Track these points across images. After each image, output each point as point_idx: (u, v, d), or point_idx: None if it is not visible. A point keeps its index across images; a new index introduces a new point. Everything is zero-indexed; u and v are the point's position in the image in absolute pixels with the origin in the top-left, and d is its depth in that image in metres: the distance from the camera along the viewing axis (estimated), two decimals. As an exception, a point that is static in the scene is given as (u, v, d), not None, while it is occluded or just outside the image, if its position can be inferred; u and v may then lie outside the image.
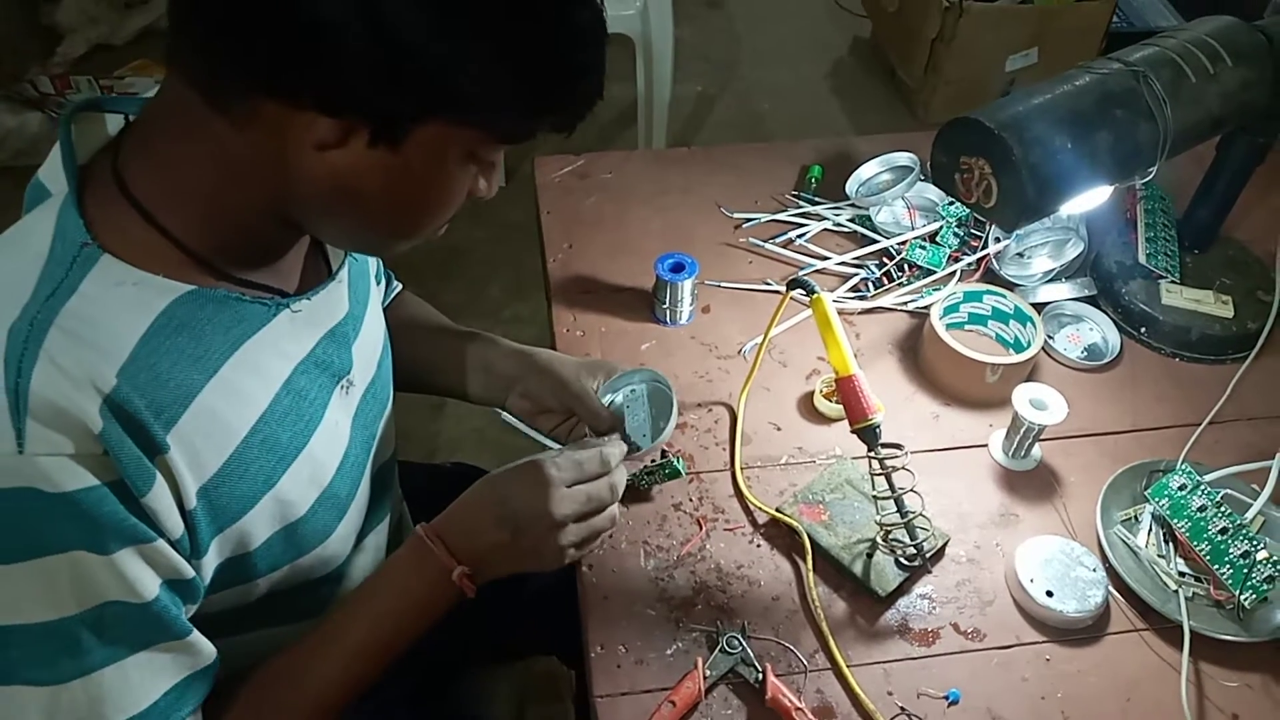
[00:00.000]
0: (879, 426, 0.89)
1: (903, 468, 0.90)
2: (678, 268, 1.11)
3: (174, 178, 0.66)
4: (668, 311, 1.13)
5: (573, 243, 1.23)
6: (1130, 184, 0.88)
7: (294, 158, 0.63)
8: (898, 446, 0.90)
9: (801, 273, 1.19)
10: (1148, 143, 0.86)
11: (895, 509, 0.90)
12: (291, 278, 0.77)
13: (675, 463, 0.94)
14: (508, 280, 2.36)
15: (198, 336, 0.68)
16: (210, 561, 0.71)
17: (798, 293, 0.93)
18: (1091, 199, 0.93)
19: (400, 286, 1.10)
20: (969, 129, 0.84)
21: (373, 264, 1.03)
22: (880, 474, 0.89)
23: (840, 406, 1.03)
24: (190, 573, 0.68)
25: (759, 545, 0.95)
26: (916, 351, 1.12)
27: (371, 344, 0.88)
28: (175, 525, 0.66)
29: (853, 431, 0.90)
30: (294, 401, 0.75)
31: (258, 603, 0.80)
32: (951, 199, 1.21)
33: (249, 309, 0.71)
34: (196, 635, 0.69)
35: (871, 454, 0.89)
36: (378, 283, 1.05)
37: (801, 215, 1.27)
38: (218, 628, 0.76)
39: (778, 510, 0.96)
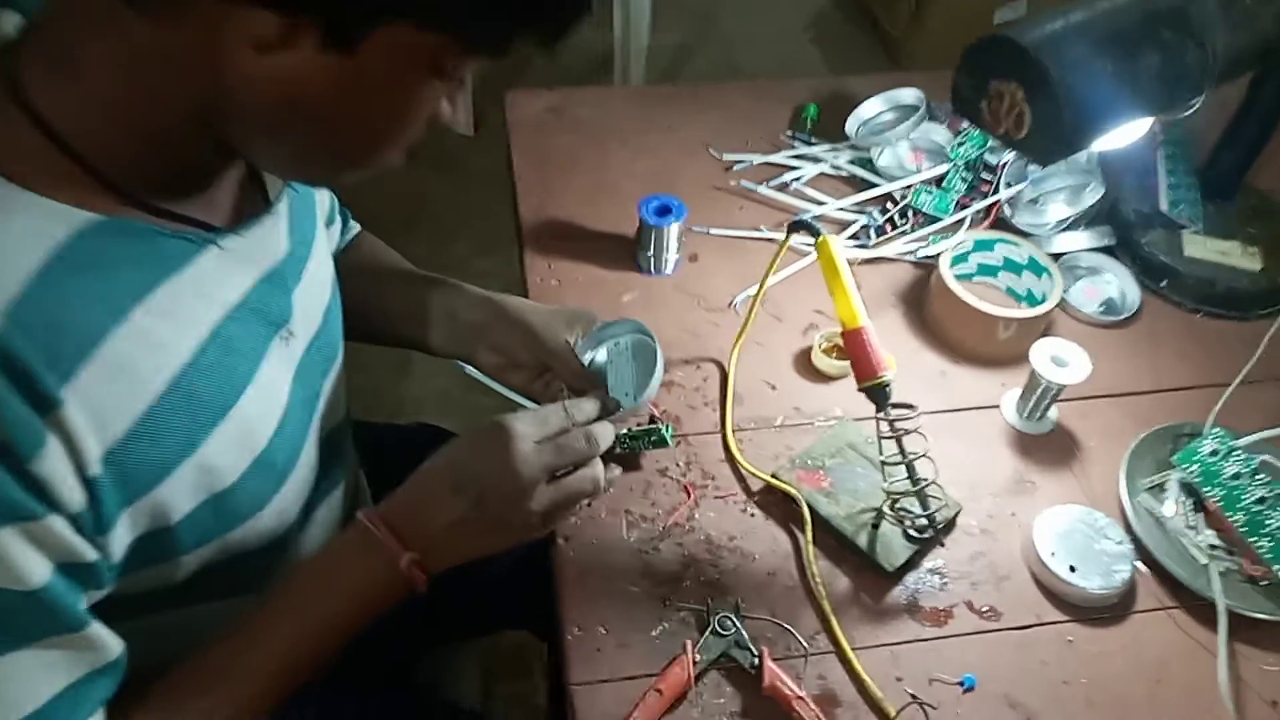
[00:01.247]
0: (889, 385, 0.80)
1: (915, 430, 0.81)
2: (663, 211, 1.01)
3: (82, 86, 0.55)
4: (651, 260, 1.03)
5: (547, 185, 1.13)
6: (1173, 116, 0.79)
7: (228, 61, 0.53)
8: (909, 407, 0.81)
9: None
10: (1195, 68, 0.76)
11: (905, 475, 0.82)
12: (221, 210, 0.67)
13: (663, 430, 0.85)
14: (476, 234, 2.24)
15: (106, 274, 0.57)
16: (120, 537, 0.61)
17: (799, 237, 0.84)
18: (1130, 132, 0.84)
19: (358, 228, 0.99)
20: (1000, 49, 0.74)
21: (321, 202, 0.92)
22: (890, 437, 0.80)
23: (842, 363, 0.95)
24: (91, 554, 0.58)
25: (753, 515, 0.86)
26: (922, 305, 1.03)
27: (316, 291, 0.78)
28: (73, 496, 0.56)
29: (860, 390, 0.81)
30: (222, 353, 0.65)
31: (187, 580, 0.70)
32: (960, 139, 1.12)
33: (169, 244, 0.61)
34: (97, 628, 0.60)
35: (880, 415, 0.80)
36: (330, 224, 0.94)
37: (797, 157, 1.17)
38: (142, 607, 0.67)
39: (773, 476, 0.87)
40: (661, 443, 0.86)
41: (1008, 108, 0.75)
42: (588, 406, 0.75)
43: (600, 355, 0.84)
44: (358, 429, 0.94)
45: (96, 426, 0.57)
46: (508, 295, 0.89)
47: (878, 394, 0.80)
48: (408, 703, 1.04)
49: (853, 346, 0.80)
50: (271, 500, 0.73)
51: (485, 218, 2.27)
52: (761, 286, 0.92)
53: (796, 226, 0.85)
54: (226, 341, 0.65)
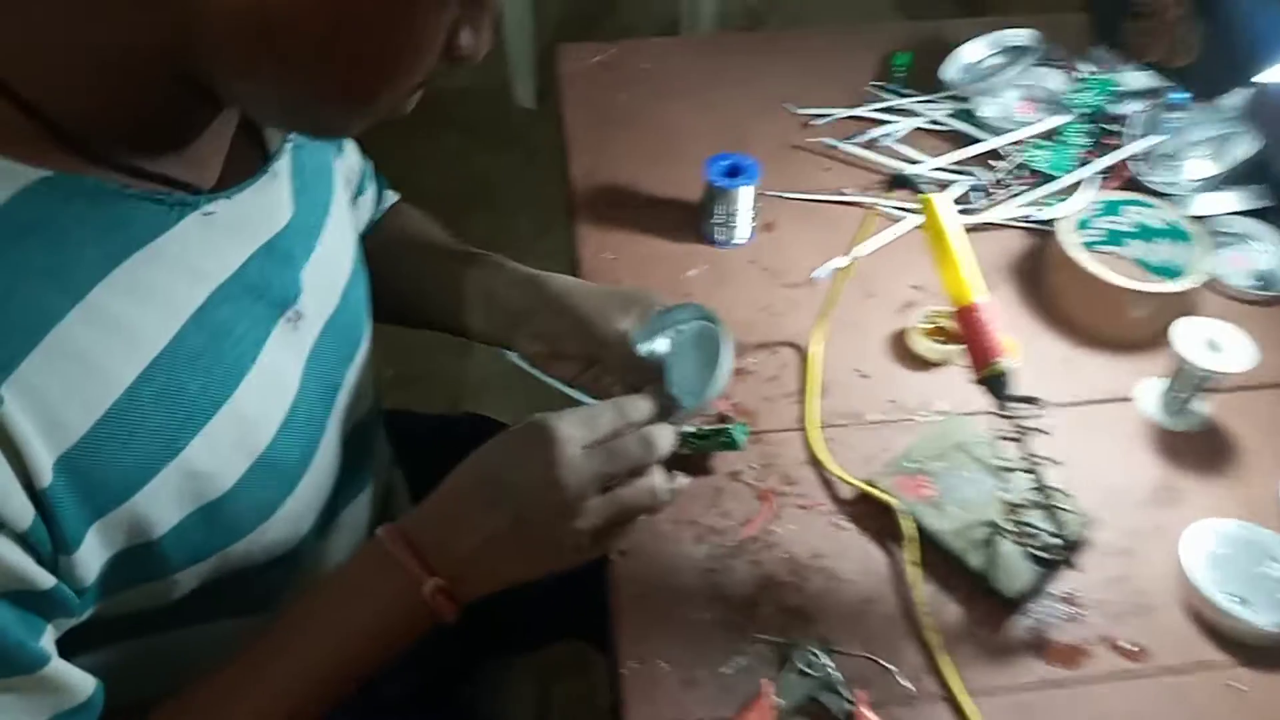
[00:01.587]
0: (1009, 374, 0.66)
1: (1041, 430, 0.67)
2: (734, 171, 0.87)
3: (24, 18, 0.46)
4: (721, 228, 0.90)
5: (603, 146, 1.00)
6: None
7: None
8: (1033, 401, 0.67)
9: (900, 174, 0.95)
10: None
11: (1031, 484, 0.68)
12: (207, 170, 0.56)
13: (734, 432, 0.72)
14: (539, 212, 2.13)
15: (56, 244, 0.47)
16: (90, 557, 0.51)
17: (895, 198, 0.70)
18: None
19: (395, 198, 0.88)
20: (1159, -46, 0.59)
21: (349, 166, 0.81)
22: (1012, 438, 0.66)
23: (946, 347, 0.81)
24: (47, 580, 0.49)
25: (843, 528, 0.73)
26: (1038, 279, 0.88)
27: (331, 266, 0.67)
28: (19, 512, 0.46)
29: (977, 381, 0.67)
30: (209, 339, 0.54)
31: (184, 600, 0.60)
32: (1079, 85, 0.96)
33: (139, 208, 0.51)
34: (59, 667, 0.51)
35: (1000, 410, 0.66)
36: (360, 193, 0.83)
37: (885, 111, 1.02)
38: (133, 630, 0.58)
39: (867, 483, 0.73)
40: (732, 444, 0.73)
41: (1163, 27, 0.60)
42: (644, 405, 0.62)
43: (661, 345, 0.72)
44: (396, 420, 0.83)
45: (46, 428, 0.47)
46: (555, 274, 0.76)
47: (997, 385, 0.66)
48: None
49: (967, 327, 0.66)
50: (280, 508, 0.62)
51: (548, 195, 2.13)
52: (852, 256, 0.79)
53: (897, 184, 0.71)
54: (215, 325, 0.55)
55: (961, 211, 0.93)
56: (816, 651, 0.65)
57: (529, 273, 0.77)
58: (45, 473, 0.47)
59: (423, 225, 0.88)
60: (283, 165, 0.60)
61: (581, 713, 1.39)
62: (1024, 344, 0.84)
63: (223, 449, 0.56)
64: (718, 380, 0.67)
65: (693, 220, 0.93)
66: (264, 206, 0.59)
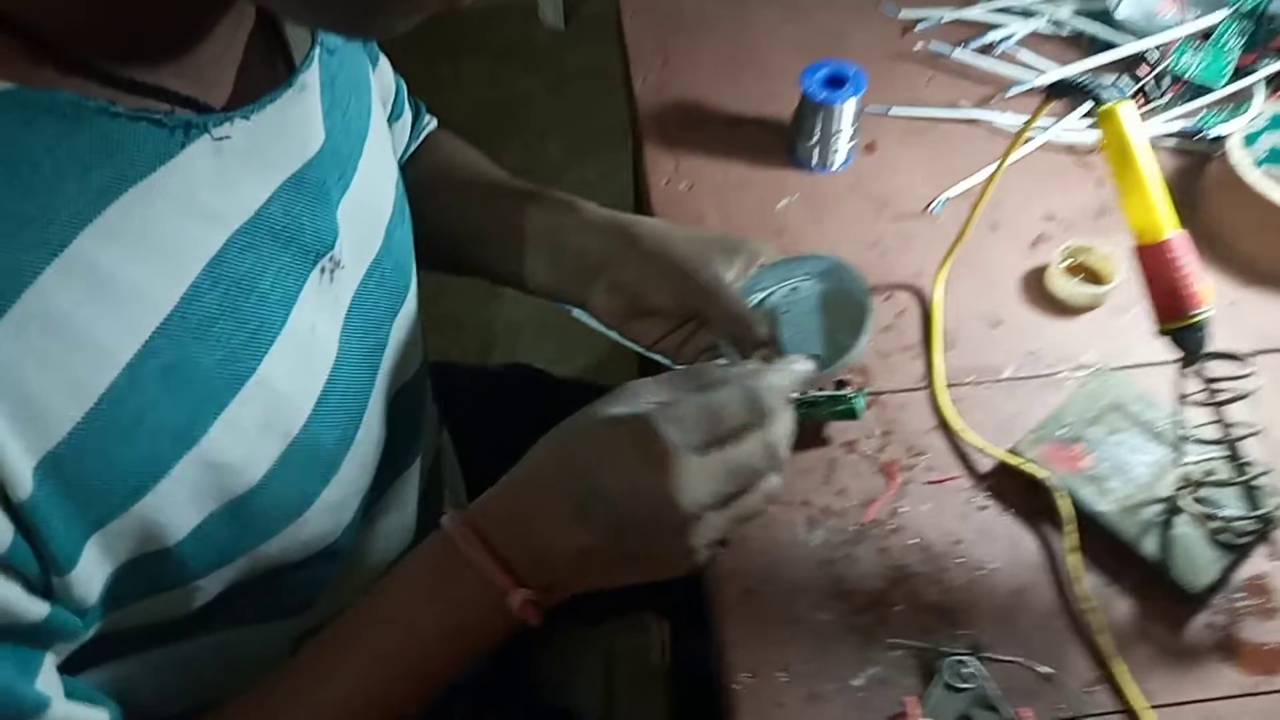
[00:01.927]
0: (1206, 325, 0.54)
1: (1243, 392, 0.54)
2: (835, 82, 0.74)
3: None
4: (816, 150, 0.77)
5: (669, 56, 0.86)
6: None
7: None
8: (1232, 357, 0.55)
9: (1016, 89, 0.81)
10: None
11: (1223, 455, 0.56)
12: (217, 83, 0.45)
13: (853, 398, 0.60)
14: (571, 137, 1.99)
15: (22, 180, 0.37)
16: (92, 573, 0.41)
17: (1015, 115, 0.57)
18: None
19: (433, 123, 0.75)
20: None
21: (384, 85, 0.68)
22: (1209, 402, 0.54)
23: (1092, 289, 0.68)
24: (38, 609, 0.39)
25: (983, 507, 0.61)
26: (1194, 205, 0.75)
27: (372, 200, 0.55)
28: None
29: (1164, 332, 0.55)
30: (227, 298, 0.43)
31: (211, 605, 0.50)
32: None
33: (130, 131, 0.39)
34: (60, 710, 0.41)
35: (1192, 368, 0.54)
36: (396, 117, 0.71)
37: (1000, 11, 0.88)
38: (149, 640, 0.49)
39: (1011, 453, 0.62)
40: (851, 413, 0.62)
41: None
42: (780, 381, 0.49)
43: (773, 299, 0.59)
44: (434, 375, 0.72)
45: (22, 422, 0.36)
46: (640, 217, 0.64)
47: (1191, 339, 0.54)
48: (518, 712, 0.84)
49: (1157, 267, 0.54)
50: (318, 498, 0.51)
51: (580, 119, 2.01)
52: (992, 180, 0.65)
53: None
54: (234, 280, 0.43)
55: (1094, 127, 0.79)
56: (967, 659, 0.54)
57: (608, 214, 0.63)
58: (24, 480, 0.36)
59: (468, 156, 0.75)
60: (312, 77, 0.48)
61: (643, 681, 1.30)
62: (1180, 283, 0.71)
63: (249, 434, 0.45)
64: (861, 342, 0.55)
65: (780, 142, 0.79)
66: (290, 129, 0.46)
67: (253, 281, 0.44)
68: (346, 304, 0.52)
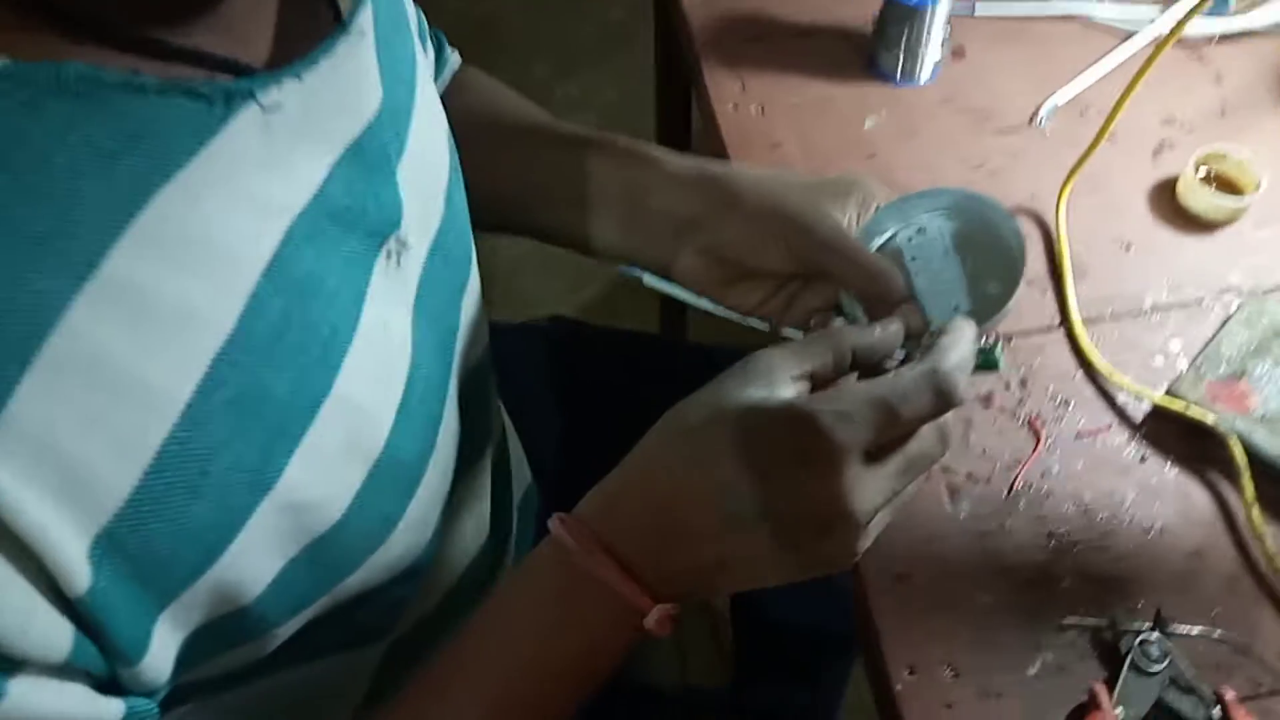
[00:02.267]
0: None
1: None
2: (924, -20, 0.65)
3: None
4: (901, 60, 0.67)
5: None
6: None
7: None
8: None
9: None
10: None
11: None
12: (257, 38, 0.35)
13: (991, 348, 0.52)
14: (556, 55, 1.87)
15: (30, 180, 0.28)
16: (165, 652, 0.34)
17: (1121, 10, 0.48)
18: None
19: (457, 57, 0.65)
20: None
21: (411, 11, 0.58)
22: None
23: (1234, 201, 0.61)
24: (112, 711, 0.33)
25: (1143, 459, 0.54)
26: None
27: (429, 163, 0.46)
28: (49, 638, 0.31)
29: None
30: (293, 303, 0.35)
31: (288, 644, 0.42)
32: None
33: (162, 108, 0.31)
34: None
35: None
36: (424, 51, 0.61)
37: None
38: (222, 686, 0.43)
39: (1171, 395, 0.55)
40: (991, 365, 0.54)
41: None
42: (959, 358, 0.41)
43: (895, 247, 0.51)
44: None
45: (70, 499, 0.29)
46: (731, 165, 0.54)
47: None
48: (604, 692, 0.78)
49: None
50: (403, 517, 0.44)
51: (564, 36, 1.88)
52: (1130, 89, 0.57)
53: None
54: (298, 281, 0.35)
55: (1207, 15, 0.70)
56: (1155, 637, 0.48)
57: (694, 166, 0.53)
58: (80, 570, 0.29)
59: (505, 97, 0.64)
60: (366, 18, 0.38)
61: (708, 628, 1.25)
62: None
63: (331, 463, 0.37)
64: (1016, 287, 0.47)
65: (857, 52, 0.70)
66: (347, 86, 0.37)
67: (319, 280, 0.36)
68: (414, 290, 0.44)
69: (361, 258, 0.39)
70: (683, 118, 1.03)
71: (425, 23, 0.61)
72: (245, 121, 0.32)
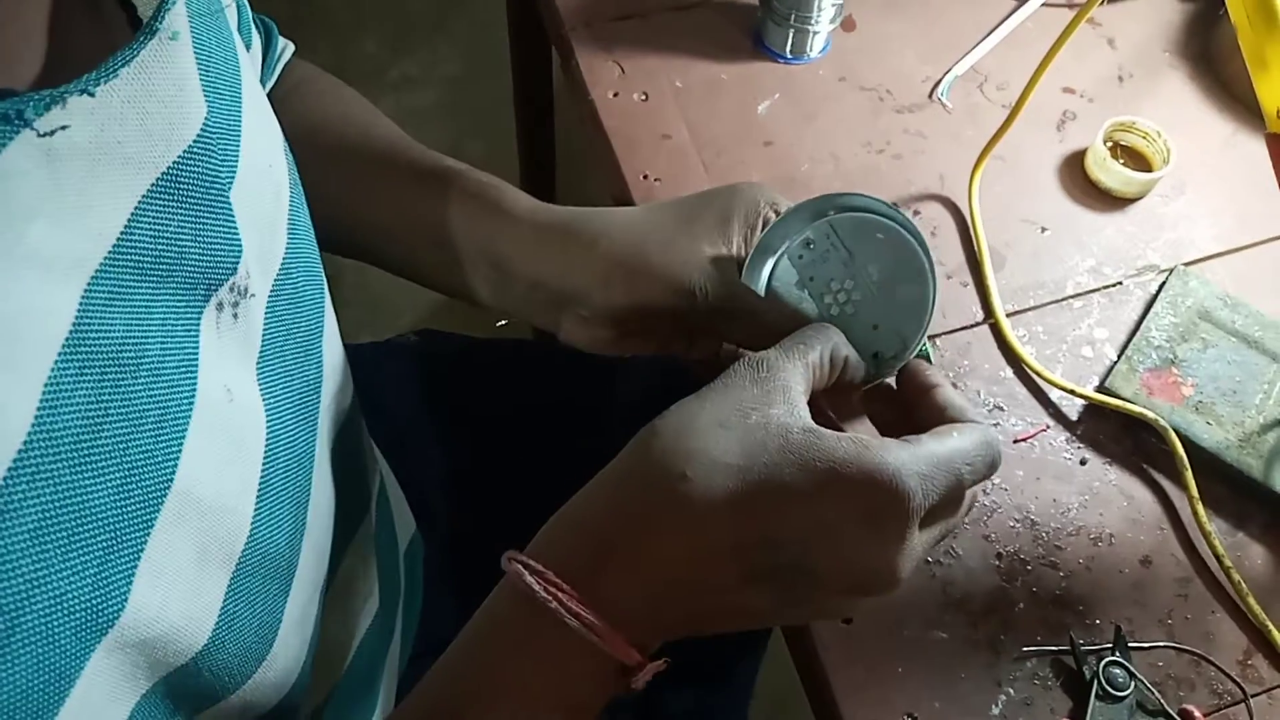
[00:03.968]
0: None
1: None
2: (812, -54, 0.59)
3: None
4: (791, 36, 0.62)
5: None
6: None
7: None
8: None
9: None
10: None
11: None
12: (19, 52, 0.27)
13: (924, 352, 0.47)
14: (386, 30, 1.72)
15: None
16: None
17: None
18: None
19: (290, 49, 0.55)
20: None
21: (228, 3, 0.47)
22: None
23: (1142, 176, 0.58)
24: None
25: (1083, 461, 0.51)
26: (1209, 58, 0.65)
27: (268, 185, 0.38)
28: None
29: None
30: (104, 385, 0.27)
31: None
32: None
33: None
34: None
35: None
36: (247, 47, 0.51)
37: None
38: None
39: (1104, 391, 0.52)
40: (923, 359, 0.49)
41: None
42: (974, 413, 0.37)
43: (787, 272, 0.43)
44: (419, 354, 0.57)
45: None
46: (592, 211, 0.46)
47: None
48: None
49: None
50: (281, 623, 0.36)
51: (392, 9, 1.74)
52: (1044, 65, 0.53)
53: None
54: (108, 356, 0.27)
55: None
56: (1119, 659, 0.45)
57: (549, 219, 0.45)
58: None
59: (346, 104, 0.54)
60: (180, 17, 0.29)
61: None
62: (1209, 152, 0.62)
63: (182, 578, 0.30)
64: (932, 302, 0.41)
65: (741, 28, 0.64)
66: (158, 100, 0.28)
67: (136, 351, 0.28)
68: (258, 344, 0.36)
69: (184, 315, 0.30)
70: (544, 89, 0.95)
71: (248, 9, 0.51)
72: (18, 156, 0.23)
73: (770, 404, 0.34)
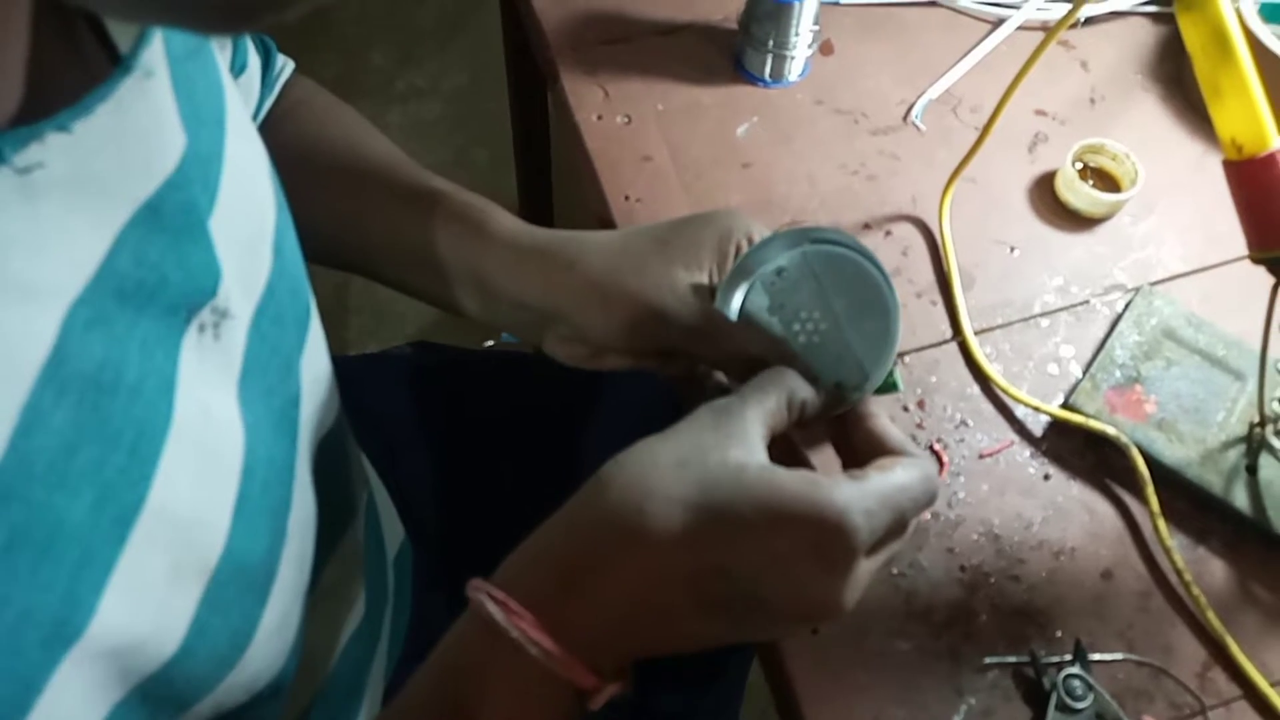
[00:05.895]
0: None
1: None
2: (790, -26, 0.60)
3: None
4: (770, 60, 0.63)
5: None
6: None
7: None
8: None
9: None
10: None
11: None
12: (5, 88, 0.27)
13: (893, 373, 0.49)
14: (393, 43, 1.75)
15: None
16: None
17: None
18: None
19: (289, 66, 0.57)
20: None
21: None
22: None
23: (1110, 197, 0.60)
24: None
25: (1047, 477, 0.53)
26: (1181, 80, 0.67)
27: (252, 208, 0.40)
28: None
29: (1259, 260, 0.46)
30: (83, 407, 0.28)
31: None
32: None
33: None
34: None
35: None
36: (239, 71, 0.53)
37: None
38: None
39: (1068, 408, 0.53)
40: (890, 387, 0.50)
41: None
42: (913, 448, 0.40)
43: (759, 298, 0.45)
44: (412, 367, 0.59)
45: None
46: (572, 235, 0.48)
47: (1294, 265, 0.46)
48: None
49: (1258, 186, 0.45)
50: (258, 626, 0.38)
51: (400, 22, 1.77)
52: (1013, 87, 0.54)
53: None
54: (86, 379, 0.28)
55: (1067, -1, 0.69)
56: (1074, 674, 0.46)
57: (531, 242, 0.48)
58: None
59: (343, 124, 0.56)
60: (157, 56, 0.31)
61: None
62: (1180, 173, 0.63)
63: (154, 591, 0.31)
64: (894, 332, 0.43)
65: (722, 52, 0.66)
66: (135, 137, 0.30)
67: (114, 373, 0.29)
68: (239, 363, 0.37)
69: (165, 338, 0.32)
70: (540, 105, 0.97)
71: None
72: None
73: (729, 446, 0.36)
